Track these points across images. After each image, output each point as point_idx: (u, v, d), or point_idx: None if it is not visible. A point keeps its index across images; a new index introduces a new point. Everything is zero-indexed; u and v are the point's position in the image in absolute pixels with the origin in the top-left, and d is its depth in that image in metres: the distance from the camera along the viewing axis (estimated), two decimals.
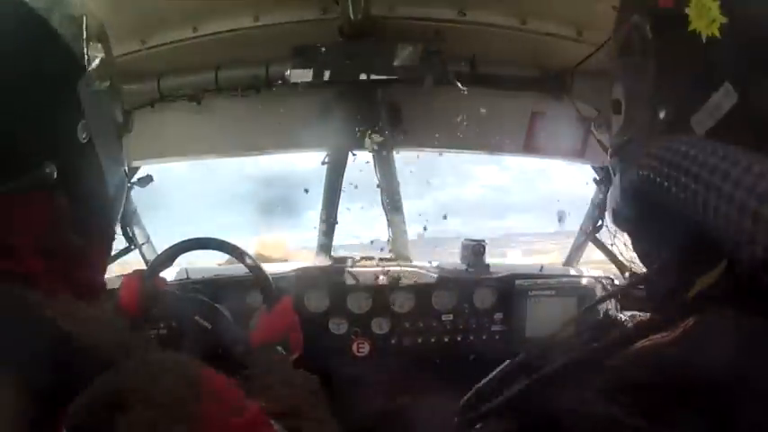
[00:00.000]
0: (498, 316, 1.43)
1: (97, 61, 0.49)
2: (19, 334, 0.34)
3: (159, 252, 1.24)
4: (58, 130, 0.44)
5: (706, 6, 0.32)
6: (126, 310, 1.02)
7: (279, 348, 0.93)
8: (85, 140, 0.46)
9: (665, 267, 0.39)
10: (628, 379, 0.31)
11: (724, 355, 0.29)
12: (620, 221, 0.45)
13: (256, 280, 1.18)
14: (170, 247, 1.21)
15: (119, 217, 0.55)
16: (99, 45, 0.50)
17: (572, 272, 1.56)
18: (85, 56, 0.47)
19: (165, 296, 1.11)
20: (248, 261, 1.20)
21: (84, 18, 0.47)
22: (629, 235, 0.46)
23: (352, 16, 1.07)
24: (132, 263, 1.50)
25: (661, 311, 0.41)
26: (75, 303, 0.40)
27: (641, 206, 0.40)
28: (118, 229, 0.63)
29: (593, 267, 1.62)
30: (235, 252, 1.21)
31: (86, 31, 0.47)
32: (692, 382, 0.29)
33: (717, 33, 0.32)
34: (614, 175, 0.45)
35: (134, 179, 1.30)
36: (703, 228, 0.32)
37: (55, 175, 0.41)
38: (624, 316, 1.15)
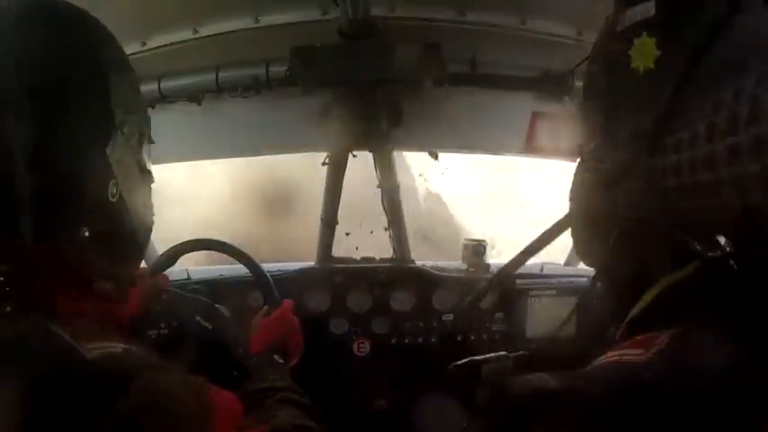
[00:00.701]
0: (499, 316, 1.44)
1: (126, 119, 0.51)
2: (46, 362, 0.37)
3: (160, 251, 1.25)
4: (90, 193, 0.47)
5: (645, 44, 0.39)
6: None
7: (276, 357, 0.93)
8: (115, 198, 0.49)
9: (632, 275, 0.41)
10: (599, 407, 0.30)
11: (701, 376, 0.29)
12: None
13: (257, 281, 1.19)
14: (171, 248, 1.21)
15: (144, 255, 0.59)
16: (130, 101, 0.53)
17: (572, 272, 1.56)
18: (114, 118, 0.49)
19: (166, 295, 1.11)
20: (250, 262, 1.20)
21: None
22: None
23: (351, 17, 1.07)
24: None
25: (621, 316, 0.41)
26: (94, 332, 0.43)
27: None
28: None
29: None
30: (236, 254, 1.21)
31: (115, 91, 0.50)
32: (666, 411, 0.28)
33: (652, 66, 0.38)
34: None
35: None
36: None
37: (87, 235, 0.45)
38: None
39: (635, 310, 0.39)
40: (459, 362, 0.46)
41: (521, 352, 0.45)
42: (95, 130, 0.48)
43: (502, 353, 0.44)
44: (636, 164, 0.36)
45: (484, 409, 0.37)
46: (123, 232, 0.52)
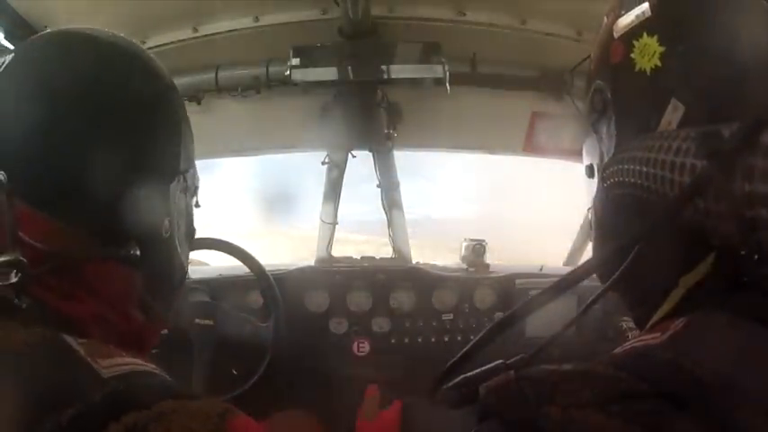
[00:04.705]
0: (498, 316, 1.44)
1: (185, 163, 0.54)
2: (63, 379, 0.35)
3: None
4: (149, 221, 0.49)
5: (647, 44, 0.38)
6: None
7: None
8: (167, 235, 0.51)
9: (647, 269, 0.39)
10: (616, 386, 0.30)
11: (716, 359, 0.29)
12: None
13: (258, 281, 1.19)
14: None
15: (175, 303, 0.59)
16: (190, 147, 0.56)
17: None
18: (180, 161, 0.52)
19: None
20: (253, 263, 1.21)
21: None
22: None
23: (351, 16, 1.07)
24: None
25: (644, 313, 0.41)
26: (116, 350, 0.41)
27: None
28: None
29: None
30: (240, 254, 1.21)
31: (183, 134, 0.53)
32: (683, 389, 0.28)
33: (659, 63, 0.37)
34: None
35: None
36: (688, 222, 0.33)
37: (138, 255, 0.47)
38: (623, 316, 1.13)
39: (657, 317, 0.38)
40: (451, 383, 0.41)
41: (519, 356, 0.42)
42: (166, 165, 0.51)
43: (498, 362, 0.41)
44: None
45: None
46: (165, 269, 0.53)
